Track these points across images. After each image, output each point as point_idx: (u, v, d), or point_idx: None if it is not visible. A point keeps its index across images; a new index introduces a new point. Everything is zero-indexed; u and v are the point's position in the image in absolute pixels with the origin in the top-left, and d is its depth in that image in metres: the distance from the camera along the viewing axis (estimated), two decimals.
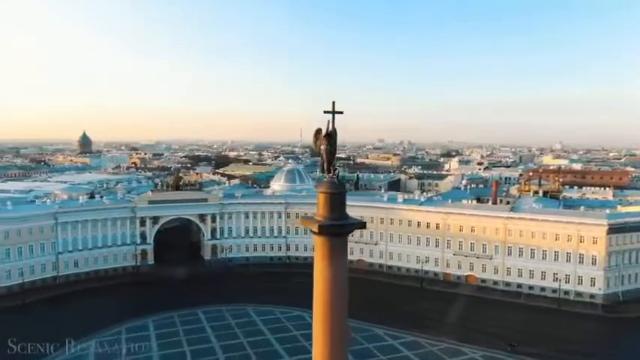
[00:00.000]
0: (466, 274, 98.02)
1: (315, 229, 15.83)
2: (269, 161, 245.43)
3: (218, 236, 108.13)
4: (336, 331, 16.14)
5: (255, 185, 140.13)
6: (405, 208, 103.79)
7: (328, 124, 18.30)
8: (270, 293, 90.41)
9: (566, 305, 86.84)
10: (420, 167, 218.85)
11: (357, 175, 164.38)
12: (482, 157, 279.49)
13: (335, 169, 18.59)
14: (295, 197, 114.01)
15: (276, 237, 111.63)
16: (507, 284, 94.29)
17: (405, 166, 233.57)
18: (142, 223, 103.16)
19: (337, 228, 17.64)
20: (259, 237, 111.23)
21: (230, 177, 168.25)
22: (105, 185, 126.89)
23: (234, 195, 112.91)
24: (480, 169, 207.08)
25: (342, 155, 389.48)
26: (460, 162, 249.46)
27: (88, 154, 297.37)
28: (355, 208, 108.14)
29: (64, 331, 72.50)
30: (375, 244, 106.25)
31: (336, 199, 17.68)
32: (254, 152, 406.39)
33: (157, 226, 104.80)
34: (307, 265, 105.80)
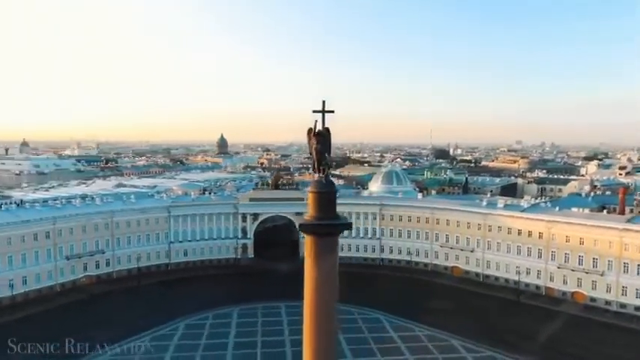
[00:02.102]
0: (572, 290, 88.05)
1: (297, 227, 16.67)
2: (385, 162, 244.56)
3: None
4: (322, 328, 16.25)
5: (359, 186, 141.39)
6: (504, 214, 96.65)
7: (316, 124, 18.92)
8: (355, 294, 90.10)
9: None
10: (545, 171, 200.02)
11: (466, 178, 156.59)
12: (629, 159, 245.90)
13: (324, 168, 19.11)
14: (390, 199, 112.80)
15: (370, 238, 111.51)
16: (622, 306, 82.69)
17: (531, 170, 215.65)
18: (244, 218, 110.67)
19: (319, 228, 18.05)
20: (353, 237, 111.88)
21: (340, 178, 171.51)
22: (218, 183, 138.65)
23: None
24: (620, 174, 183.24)
25: (468, 158, 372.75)
26: (599, 166, 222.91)
27: (223, 155, 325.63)
28: (450, 212, 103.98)
29: (168, 310, 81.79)
30: (472, 251, 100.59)
31: (323, 199, 18.12)
32: (378, 154, 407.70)
33: (256, 222, 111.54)
34: (400, 268, 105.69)
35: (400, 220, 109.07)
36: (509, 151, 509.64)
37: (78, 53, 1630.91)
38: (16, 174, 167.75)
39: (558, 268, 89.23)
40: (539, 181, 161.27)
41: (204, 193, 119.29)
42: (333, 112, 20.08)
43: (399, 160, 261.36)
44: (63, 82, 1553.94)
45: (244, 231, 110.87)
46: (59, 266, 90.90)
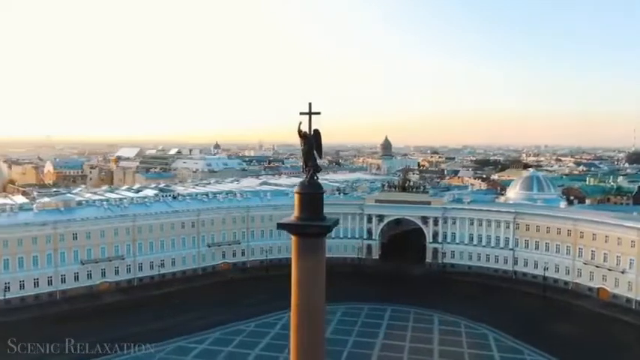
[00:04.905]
0: None
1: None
2: (555, 167, 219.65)
3: (440, 240, 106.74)
4: (306, 329, 16.91)
5: (502, 192, 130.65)
6: None
7: (300, 125, 20.85)
8: (471, 305, 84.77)
9: None
10: None
11: (638, 186, 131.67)
12: None
13: (310, 169, 21.01)
14: (526, 207, 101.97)
15: (502, 248, 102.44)
16: None
17: None
18: (369, 219, 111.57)
19: (299, 228, 19.76)
20: (484, 246, 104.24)
21: (488, 181, 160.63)
22: (355, 184, 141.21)
23: (462, 200, 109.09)
24: None
25: None
26: None
27: (385, 157, 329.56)
28: (597, 224, 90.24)
29: (282, 300, 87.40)
30: (622, 272, 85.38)
31: (305, 200, 20.01)
32: (555, 157, 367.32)
33: (382, 224, 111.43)
34: (534, 284, 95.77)
35: (537, 230, 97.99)
36: None
37: (262, 64, 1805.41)
38: (193, 171, 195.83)
39: None
40: None
41: (334, 193, 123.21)
42: (319, 113, 20.64)
43: (570, 164, 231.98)
44: (252, 90, 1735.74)
45: (370, 232, 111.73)
46: (201, 252, 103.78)
